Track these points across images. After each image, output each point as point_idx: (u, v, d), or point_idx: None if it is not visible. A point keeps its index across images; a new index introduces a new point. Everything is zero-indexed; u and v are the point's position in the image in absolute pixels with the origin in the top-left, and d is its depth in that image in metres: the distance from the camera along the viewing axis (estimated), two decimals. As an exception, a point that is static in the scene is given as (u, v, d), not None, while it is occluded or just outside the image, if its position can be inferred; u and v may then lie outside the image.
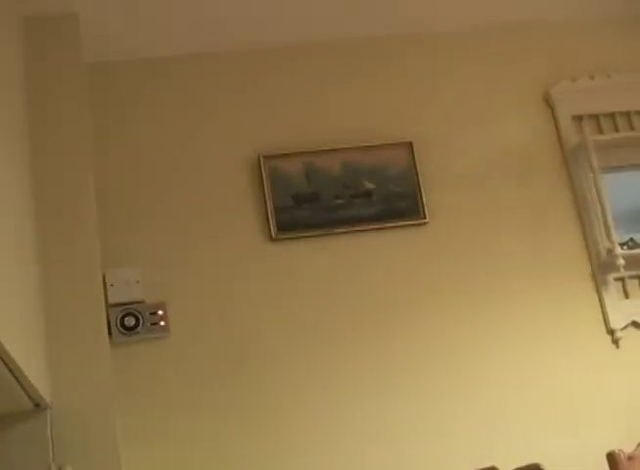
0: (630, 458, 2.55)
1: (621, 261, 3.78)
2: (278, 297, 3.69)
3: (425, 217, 3.81)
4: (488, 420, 3.63)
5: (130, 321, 3.53)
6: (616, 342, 3.81)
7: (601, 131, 4.05)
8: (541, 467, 1.49)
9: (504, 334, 3.75)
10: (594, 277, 3.88)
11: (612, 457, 2.50)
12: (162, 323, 3.57)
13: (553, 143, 4.03)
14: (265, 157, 3.78)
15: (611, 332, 3.82)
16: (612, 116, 4.10)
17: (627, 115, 4.11)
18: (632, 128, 4.08)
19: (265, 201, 3.75)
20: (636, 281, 3.94)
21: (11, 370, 2.38)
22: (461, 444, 3.57)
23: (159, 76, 3.90)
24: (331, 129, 3.89)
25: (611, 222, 3.85)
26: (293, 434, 3.55)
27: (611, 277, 3.89)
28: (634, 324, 3.86)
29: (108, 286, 3.53)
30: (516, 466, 2.40)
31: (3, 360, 2.25)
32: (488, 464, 2.73)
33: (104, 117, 3.76)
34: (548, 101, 4.05)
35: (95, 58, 3.71)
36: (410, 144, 3.88)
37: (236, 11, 3.69)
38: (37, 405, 2.98)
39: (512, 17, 4.07)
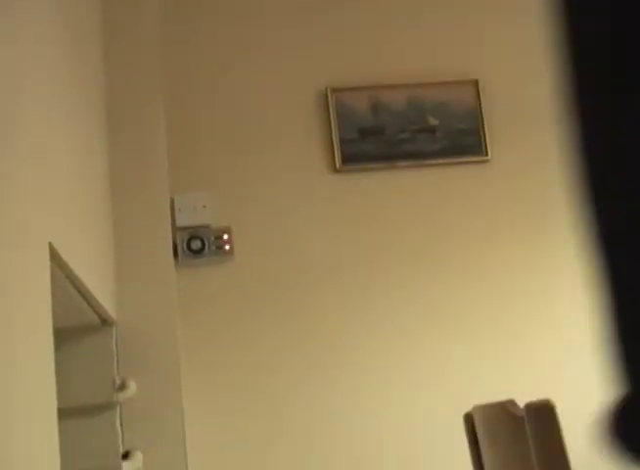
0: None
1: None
2: (339, 226, 3.80)
3: (487, 155, 3.87)
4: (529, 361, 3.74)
5: (196, 244, 3.67)
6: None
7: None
8: (551, 403, 1.59)
9: (561, 272, 3.83)
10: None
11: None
12: (227, 247, 3.71)
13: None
14: (333, 90, 3.86)
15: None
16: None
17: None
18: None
19: (331, 133, 3.84)
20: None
21: (78, 289, 2.53)
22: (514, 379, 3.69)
23: (227, 9, 3.97)
24: (398, 65, 3.94)
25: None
26: (353, 358, 3.69)
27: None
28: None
29: (175, 210, 3.67)
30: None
31: (70, 280, 2.39)
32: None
33: (173, 46, 3.86)
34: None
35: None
36: (476, 82, 3.92)
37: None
38: (104, 322, 3.14)
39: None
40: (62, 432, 1.92)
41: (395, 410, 3.65)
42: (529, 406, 1.62)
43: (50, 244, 1.97)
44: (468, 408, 2.21)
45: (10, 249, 1.59)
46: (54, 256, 2.05)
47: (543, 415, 1.59)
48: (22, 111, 1.81)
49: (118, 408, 3.18)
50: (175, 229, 3.62)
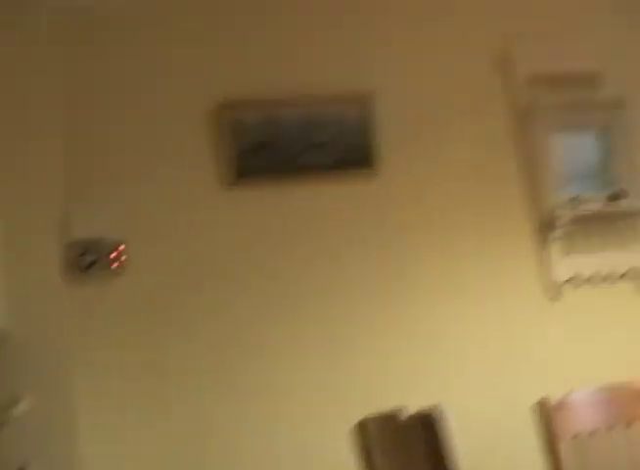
0: (558, 406, 2.70)
1: (563, 218, 4.00)
2: (234, 239, 3.83)
3: (375, 169, 3.96)
4: (419, 369, 3.85)
5: (88, 258, 3.64)
6: (554, 297, 4.02)
7: (552, 91, 4.15)
8: (436, 411, 1.65)
9: (444, 286, 3.96)
10: (540, 232, 4.08)
11: (541, 405, 2.67)
12: (121, 259, 3.69)
13: (506, 101, 4.16)
14: (227, 104, 3.88)
15: (550, 287, 4.02)
16: (563, 76, 4.19)
17: (575, 77, 4.22)
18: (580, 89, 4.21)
19: (224, 147, 3.87)
20: (578, 237, 4.11)
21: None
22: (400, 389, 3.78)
23: (119, 26, 3.93)
24: (291, 80, 3.97)
25: (555, 179, 4.08)
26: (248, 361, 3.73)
27: (554, 233, 4.06)
28: (574, 280, 4.05)
29: (69, 223, 3.63)
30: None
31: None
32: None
33: (72, 63, 3.82)
34: (504, 57, 4.17)
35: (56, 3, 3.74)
36: (365, 97, 3.98)
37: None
38: (-6, 336, 3.10)
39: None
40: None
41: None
42: (414, 416, 1.68)
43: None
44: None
45: None
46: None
47: (428, 423, 1.65)
48: None
49: (12, 424, 3.14)
50: (69, 243, 3.60)
